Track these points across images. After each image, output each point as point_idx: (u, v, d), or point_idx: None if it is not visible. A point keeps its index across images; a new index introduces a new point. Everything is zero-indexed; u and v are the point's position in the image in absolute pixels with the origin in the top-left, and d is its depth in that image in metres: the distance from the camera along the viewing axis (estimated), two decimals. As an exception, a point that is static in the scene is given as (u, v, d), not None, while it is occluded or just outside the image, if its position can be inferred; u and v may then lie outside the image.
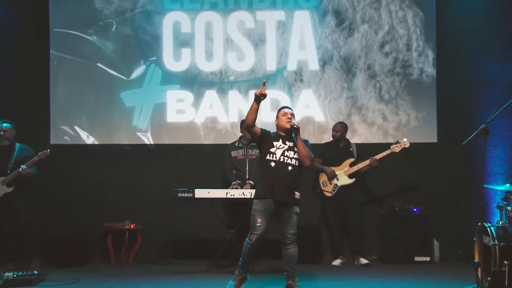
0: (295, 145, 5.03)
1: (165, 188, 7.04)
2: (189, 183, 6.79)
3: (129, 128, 7.50)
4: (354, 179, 6.85)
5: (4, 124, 6.30)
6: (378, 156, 6.72)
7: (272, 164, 4.99)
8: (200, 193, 6.31)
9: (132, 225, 7.02)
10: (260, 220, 4.95)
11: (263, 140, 5.07)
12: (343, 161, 6.92)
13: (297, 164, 5.03)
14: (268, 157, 5.01)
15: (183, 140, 7.51)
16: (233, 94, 7.50)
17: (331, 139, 7.10)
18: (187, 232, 7.33)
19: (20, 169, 6.07)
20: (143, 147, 7.52)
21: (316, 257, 7.03)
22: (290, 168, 5.01)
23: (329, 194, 6.92)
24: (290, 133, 5.03)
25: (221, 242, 6.52)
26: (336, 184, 6.88)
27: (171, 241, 7.43)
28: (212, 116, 7.52)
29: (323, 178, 6.98)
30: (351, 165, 6.87)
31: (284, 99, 7.50)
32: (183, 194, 6.31)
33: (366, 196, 7.41)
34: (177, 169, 7.43)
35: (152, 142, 7.52)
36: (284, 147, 5.01)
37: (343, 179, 6.88)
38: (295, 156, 5.03)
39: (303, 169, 6.68)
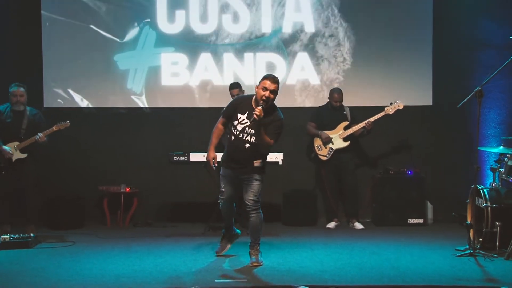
0: (262, 122, 4.64)
1: (160, 151, 7.08)
2: (185, 146, 6.80)
3: (123, 91, 7.44)
4: (349, 142, 6.85)
5: (21, 88, 6.26)
6: (372, 119, 6.70)
7: (232, 137, 4.86)
8: (195, 156, 6.30)
9: (128, 189, 7.02)
10: (223, 185, 4.95)
11: (232, 111, 4.86)
12: (337, 124, 6.90)
13: (255, 141, 4.79)
14: (231, 127, 4.87)
15: (178, 104, 7.47)
16: (228, 57, 7.41)
17: (325, 102, 7.08)
18: (182, 195, 7.34)
19: (37, 136, 6.07)
20: (138, 111, 7.47)
21: (311, 220, 7.09)
22: (247, 145, 4.80)
23: (324, 158, 6.92)
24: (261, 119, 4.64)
25: (216, 205, 6.26)
26: (331, 148, 6.87)
27: (167, 205, 7.43)
28: (207, 79, 7.45)
29: (317, 142, 6.97)
30: (346, 128, 6.87)
31: (279, 61, 7.45)
32: (178, 158, 6.31)
33: (360, 160, 7.42)
34: (172, 132, 7.41)
35: (147, 106, 7.49)
36: (246, 122, 4.74)
37: (338, 143, 6.87)
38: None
39: (298, 134, 6.87)
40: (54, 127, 6.18)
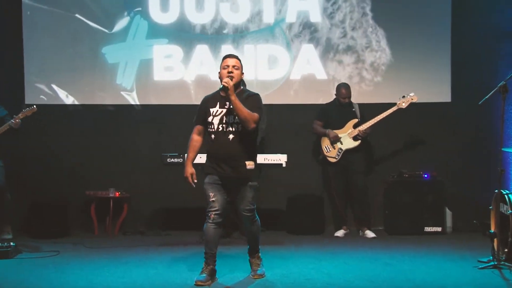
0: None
1: (153, 152, 7.08)
2: (179, 147, 6.57)
3: (112, 87, 7.43)
4: (359, 141, 6.84)
5: None
6: (383, 114, 6.69)
7: (212, 136, 4.71)
8: None
9: (117, 193, 7.01)
10: (212, 194, 4.68)
11: (204, 112, 4.75)
12: (345, 122, 6.89)
13: (240, 129, 4.63)
14: (208, 128, 4.74)
15: (172, 100, 7.45)
16: (227, 49, 7.33)
17: (332, 99, 7.09)
18: (177, 200, 7.31)
19: (11, 122, 6.03)
20: (128, 108, 7.46)
21: (318, 227, 7.07)
22: (231, 136, 4.65)
23: (333, 160, 6.91)
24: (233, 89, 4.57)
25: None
26: (340, 148, 6.86)
27: (160, 211, 7.43)
28: (204, 73, 7.43)
29: (325, 142, 6.95)
30: (355, 126, 6.84)
31: (282, 54, 7.43)
32: (172, 159, 6.30)
33: (372, 161, 7.41)
34: (166, 132, 7.41)
35: (138, 103, 7.48)
36: (221, 112, 4.66)
37: (347, 142, 6.86)
38: (237, 119, 4.62)
39: (303, 133, 6.90)
40: (25, 110, 6.15)
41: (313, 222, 7.06)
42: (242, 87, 4.81)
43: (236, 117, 4.60)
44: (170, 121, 7.44)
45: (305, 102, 7.43)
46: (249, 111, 4.57)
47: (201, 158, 5.96)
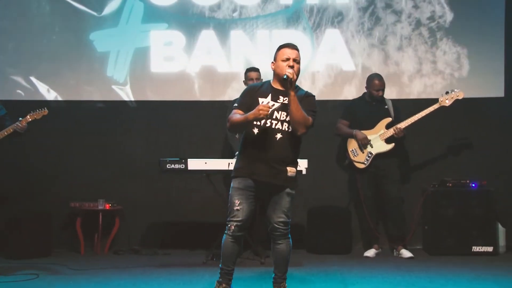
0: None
1: (150, 157, 7.12)
2: (181, 151, 6.93)
3: (102, 80, 7.48)
4: (393, 144, 6.81)
5: None
6: (423, 113, 6.69)
7: (255, 130, 4.67)
8: (194, 163, 6.27)
9: (108, 205, 7.03)
10: (238, 202, 4.66)
11: (250, 100, 4.73)
12: (377, 122, 6.87)
13: (290, 129, 4.66)
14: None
15: (173, 96, 7.49)
16: (237, 36, 7.40)
17: (361, 94, 7.08)
18: (178, 213, 7.36)
19: (17, 123, 6.09)
20: (121, 105, 7.50)
21: (343, 246, 7.06)
22: (279, 136, 4.65)
23: (361, 166, 6.87)
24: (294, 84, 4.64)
25: (222, 226, 6.23)
26: (370, 152, 6.83)
27: (158, 226, 7.44)
28: (210, 64, 7.46)
29: (352, 145, 6.92)
30: (388, 126, 6.79)
31: (302, 41, 7.38)
32: (173, 166, 6.31)
33: (408, 167, 7.38)
34: (166, 133, 7.45)
35: (132, 99, 7.51)
36: (272, 105, 4.63)
37: (378, 145, 6.82)
38: (288, 118, 4.65)
39: (326, 134, 6.92)
40: (34, 114, 6.18)
41: (338, 239, 7.03)
42: (296, 85, 4.73)
43: (288, 116, 4.62)
44: (170, 121, 7.48)
45: (329, 98, 7.42)
46: (305, 113, 4.58)
47: (207, 164, 6.18)
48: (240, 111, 4.67)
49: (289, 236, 4.77)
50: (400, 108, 6.96)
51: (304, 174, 6.12)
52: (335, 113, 7.12)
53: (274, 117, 4.63)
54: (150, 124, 7.49)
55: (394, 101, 7.00)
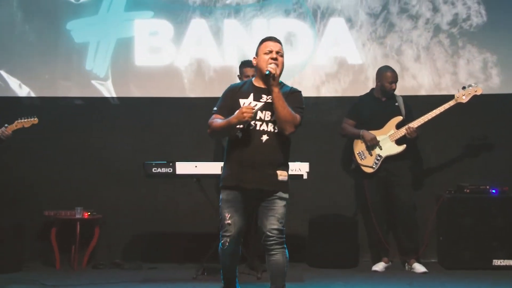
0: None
1: (134, 160, 7.08)
2: (168, 153, 6.88)
3: (80, 74, 7.45)
4: (404, 146, 6.71)
5: None
6: (438, 111, 6.62)
7: (239, 134, 4.71)
8: (184, 167, 6.24)
9: (86, 214, 6.94)
10: (228, 215, 4.71)
11: (231, 102, 4.79)
12: (386, 121, 6.79)
13: (276, 130, 4.68)
14: None
15: (159, 92, 7.47)
16: (231, 25, 7.40)
17: (368, 90, 7.04)
18: (165, 223, 7.31)
19: (3, 130, 6.15)
20: (101, 102, 7.47)
21: (349, 259, 7.00)
22: (265, 138, 4.67)
23: (369, 170, 6.76)
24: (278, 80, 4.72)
25: (214, 237, 6.19)
26: (379, 155, 6.72)
27: (142, 237, 7.39)
28: (201, 57, 7.45)
29: (359, 147, 6.81)
30: (399, 126, 6.71)
31: (303, 31, 7.41)
32: (159, 169, 6.27)
33: (421, 171, 7.33)
34: (151, 133, 7.42)
35: (114, 95, 7.48)
36: (256, 105, 4.69)
37: (388, 147, 6.72)
38: (273, 118, 4.70)
39: (330, 135, 7.06)
40: (15, 123, 6.22)
41: (343, 251, 6.95)
42: (280, 81, 4.80)
43: (273, 116, 4.68)
44: (156, 120, 7.45)
45: (333, 94, 7.40)
46: (291, 110, 4.62)
47: (197, 168, 6.15)
48: (220, 116, 4.76)
49: (285, 246, 4.75)
50: (411, 106, 6.87)
51: (305, 179, 6.11)
52: (339, 111, 7.11)
53: (258, 117, 4.69)
54: (134, 123, 7.44)
55: (405, 98, 6.89)
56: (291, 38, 7.34)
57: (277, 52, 4.70)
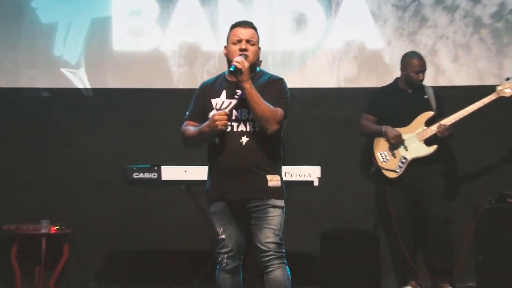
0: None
1: (111, 164, 7.08)
2: (152, 155, 6.95)
3: (47, 61, 7.40)
4: (435, 146, 6.51)
5: None
6: (476, 105, 6.47)
7: (217, 140, 4.72)
8: (171, 172, 6.17)
9: (53, 228, 6.82)
10: (221, 229, 4.72)
11: (202, 105, 4.83)
12: (414, 117, 6.63)
13: (258, 128, 4.65)
14: None
15: (142, 83, 7.39)
16: (228, 3, 7.29)
17: (392, 80, 6.91)
18: (148, 239, 7.20)
19: None
20: (72, 94, 7.39)
21: (370, 281, 6.76)
22: (245, 139, 4.64)
23: (393, 175, 6.58)
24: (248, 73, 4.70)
25: (207, 256, 6.41)
26: (405, 157, 6.55)
27: (121, 255, 7.32)
28: (192, 40, 7.37)
29: (381, 146, 6.68)
30: (428, 123, 6.53)
31: (314, 11, 7.30)
32: (142, 175, 6.18)
33: (455, 177, 7.18)
34: (132, 131, 7.37)
35: (88, 86, 7.42)
36: (229, 104, 4.70)
37: (415, 147, 6.56)
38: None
39: (345, 134, 7.10)
40: None
41: (362, 273, 6.69)
42: (259, 70, 4.83)
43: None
44: (139, 116, 7.39)
45: (349, 85, 7.32)
46: (269, 105, 4.55)
47: (187, 173, 6.12)
48: (193, 123, 4.83)
49: (285, 261, 4.70)
50: (443, 98, 6.67)
51: (315, 186, 6.04)
52: (357, 105, 7.03)
53: (233, 117, 4.70)
54: (111, 119, 7.36)
55: (436, 89, 6.71)
56: (299, 18, 7.29)
57: (248, 41, 4.70)
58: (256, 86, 4.61)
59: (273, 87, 4.71)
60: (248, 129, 4.63)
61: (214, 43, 7.31)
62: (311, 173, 5.98)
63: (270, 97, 4.60)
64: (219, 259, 4.71)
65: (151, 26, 7.33)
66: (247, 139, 4.62)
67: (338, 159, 7.08)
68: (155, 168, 6.10)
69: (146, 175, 6.12)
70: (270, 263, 4.60)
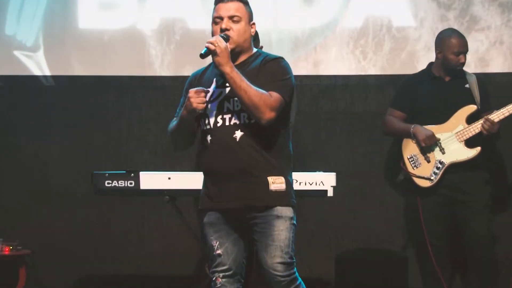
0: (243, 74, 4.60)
1: (77, 169, 7.08)
2: (129, 159, 6.94)
3: None
4: (478, 148, 6.30)
5: None
6: None
7: (208, 138, 4.65)
8: (151, 180, 5.98)
9: (7, 248, 6.84)
10: (217, 243, 4.63)
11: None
12: (452, 112, 6.43)
13: (253, 120, 4.56)
14: (201, 126, 4.80)
15: (115, 69, 7.37)
16: None
17: (425, 66, 6.72)
18: (124, 261, 7.18)
19: None
20: (28, 82, 7.36)
21: None
22: (239, 134, 4.57)
23: (426, 183, 6.38)
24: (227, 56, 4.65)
25: (195, 280, 6.46)
26: (441, 161, 6.35)
27: (90, 281, 7.25)
28: (175, 16, 7.30)
29: (410, 149, 6.52)
30: (470, 119, 6.33)
31: None
32: (115, 183, 5.99)
33: (504, 187, 7.09)
34: (103, 129, 7.34)
35: (48, 73, 7.38)
36: (220, 94, 4.68)
37: (454, 150, 6.37)
38: None
39: (366, 133, 7.17)
40: None
41: None
42: (254, 50, 4.76)
43: None
44: (110, 109, 7.34)
45: (371, 72, 7.23)
46: (259, 90, 4.45)
47: (171, 180, 5.97)
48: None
49: (299, 280, 4.60)
50: (488, 88, 6.42)
51: (330, 197, 5.84)
52: (381, 97, 7.01)
53: (225, 109, 4.62)
54: (77, 114, 7.26)
55: (480, 76, 6.49)
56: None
57: (231, 18, 4.61)
58: (249, 70, 4.56)
59: (270, 68, 4.61)
60: (242, 122, 4.55)
61: (204, 20, 6.93)
62: (324, 181, 5.78)
63: (263, 80, 4.53)
64: (213, 279, 4.62)
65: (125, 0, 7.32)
66: (242, 133, 4.52)
67: (358, 165, 7.05)
68: (132, 174, 5.90)
69: (121, 183, 5.92)
70: (279, 286, 4.54)
